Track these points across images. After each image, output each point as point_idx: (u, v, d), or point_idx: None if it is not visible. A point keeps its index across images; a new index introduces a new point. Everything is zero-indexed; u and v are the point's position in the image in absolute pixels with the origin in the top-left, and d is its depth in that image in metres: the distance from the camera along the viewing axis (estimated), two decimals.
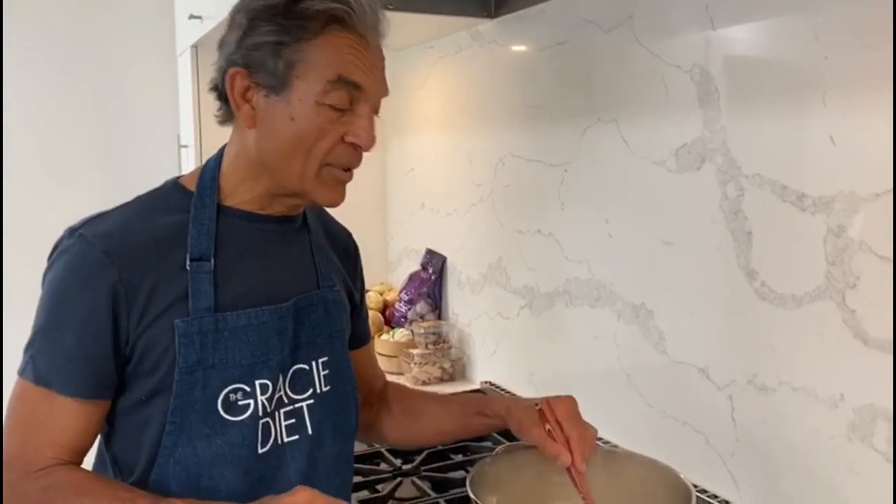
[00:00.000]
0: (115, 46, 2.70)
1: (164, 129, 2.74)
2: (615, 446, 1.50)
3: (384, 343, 2.28)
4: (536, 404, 1.01)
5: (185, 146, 2.58)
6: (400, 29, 2.14)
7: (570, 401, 1.02)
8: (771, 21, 1.21)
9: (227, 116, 0.98)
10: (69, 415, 0.87)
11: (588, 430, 1.00)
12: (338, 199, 0.97)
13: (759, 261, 1.26)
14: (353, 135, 0.91)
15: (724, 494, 1.34)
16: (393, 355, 2.23)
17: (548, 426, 0.99)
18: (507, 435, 1.61)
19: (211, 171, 0.97)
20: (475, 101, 2.11)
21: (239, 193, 0.96)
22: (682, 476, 0.98)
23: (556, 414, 0.99)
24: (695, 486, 1.36)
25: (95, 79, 2.67)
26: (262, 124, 0.92)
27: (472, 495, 0.95)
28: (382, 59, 0.96)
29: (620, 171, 1.55)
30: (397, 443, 1.25)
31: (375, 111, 0.95)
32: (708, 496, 1.35)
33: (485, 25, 2.01)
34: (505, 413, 1.05)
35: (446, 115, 2.27)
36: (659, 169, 1.45)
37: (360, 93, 0.91)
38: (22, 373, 0.88)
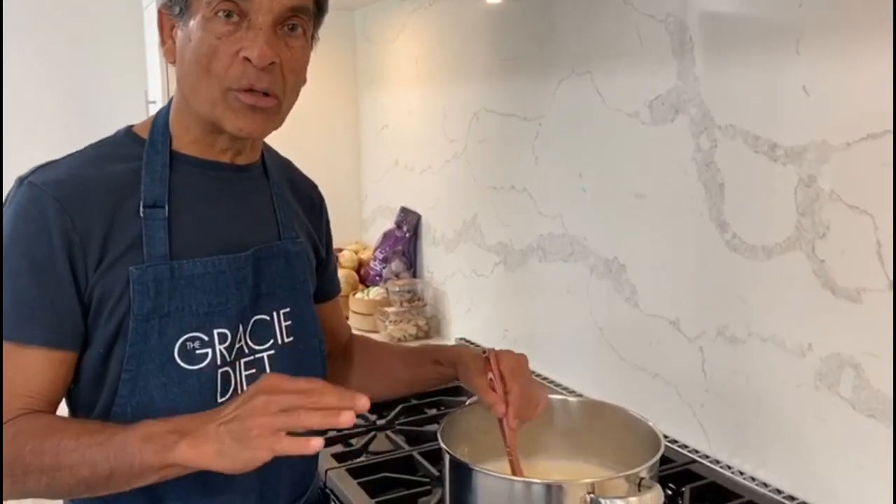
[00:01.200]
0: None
1: (131, 84, 2.67)
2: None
3: (359, 301, 2.27)
4: (484, 352, 1.01)
5: (153, 102, 2.52)
6: None
7: (520, 357, 1.00)
8: None
9: None
10: (36, 365, 0.84)
11: (532, 390, 0.98)
12: (247, 126, 0.89)
13: (730, 212, 1.25)
14: (245, 49, 0.86)
15: (693, 444, 1.36)
16: (368, 313, 2.22)
17: (490, 376, 0.97)
18: None
19: (163, 117, 0.94)
20: (449, 54, 2.08)
21: (185, 138, 0.94)
22: (650, 424, 0.99)
23: (501, 366, 0.97)
24: (666, 437, 1.38)
25: (60, 33, 2.59)
26: (178, 56, 0.90)
27: (442, 445, 0.95)
28: None
29: (594, 123, 1.54)
30: None
31: (279, 24, 0.87)
32: (678, 446, 1.37)
33: None
34: (456, 360, 1.04)
35: (420, 70, 2.23)
36: (632, 121, 1.44)
37: (247, 3, 0.86)
38: None
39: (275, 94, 0.88)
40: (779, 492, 1.21)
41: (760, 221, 1.21)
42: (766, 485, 1.23)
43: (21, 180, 0.87)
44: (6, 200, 0.88)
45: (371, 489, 1.24)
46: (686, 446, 1.37)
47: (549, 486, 0.88)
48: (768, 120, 1.18)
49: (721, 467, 1.29)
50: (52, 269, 0.84)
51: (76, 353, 0.88)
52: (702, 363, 1.33)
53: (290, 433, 0.75)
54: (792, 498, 1.19)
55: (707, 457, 1.33)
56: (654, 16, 1.36)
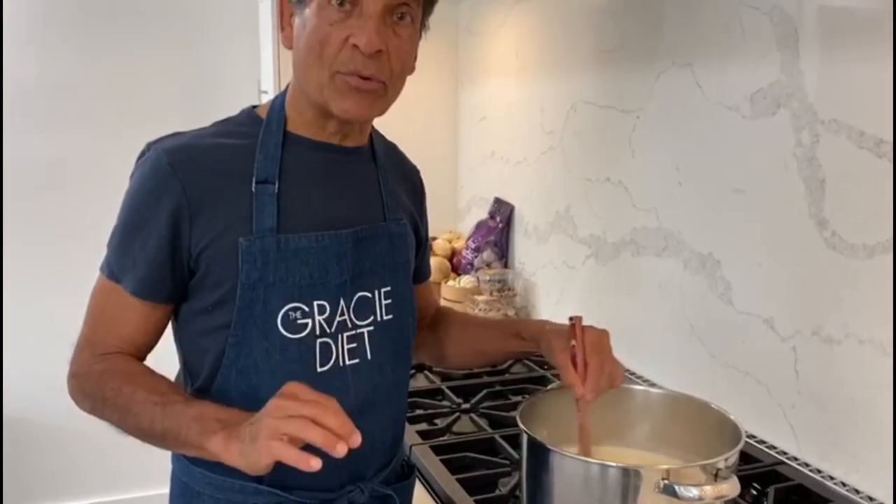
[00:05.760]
0: None
1: (245, 75, 2.81)
2: None
3: (450, 289, 2.32)
4: (570, 319, 1.01)
5: (265, 92, 2.64)
6: None
7: (602, 333, 1.01)
8: None
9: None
10: (131, 311, 0.95)
11: (611, 366, 0.99)
12: (352, 108, 0.92)
13: (830, 209, 1.22)
14: (354, 36, 0.90)
15: (782, 446, 1.33)
16: (458, 301, 2.27)
17: (573, 342, 0.99)
18: None
19: (280, 100, 1.00)
20: (549, 46, 2.08)
21: (299, 120, 0.99)
22: (732, 417, 0.98)
23: (585, 338, 0.99)
24: (754, 437, 1.36)
25: (179, 26, 2.75)
26: (294, 43, 0.96)
27: (521, 424, 0.98)
28: None
29: (693, 116, 1.52)
30: (438, 363, 1.28)
31: (388, 12, 0.91)
32: (766, 446, 1.34)
33: None
34: (538, 334, 1.06)
35: (520, 62, 2.25)
36: (733, 114, 1.41)
37: None
38: (101, 267, 0.97)
39: (380, 79, 0.92)
40: (871, 499, 1.17)
41: (862, 219, 1.17)
42: (857, 491, 1.19)
43: (150, 145, 0.96)
44: (139, 160, 0.97)
45: (453, 467, 1.28)
46: (774, 447, 1.34)
47: (624, 470, 0.89)
48: (875, 115, 1.14)
49: (810, 470, 1.26)
50: (156, 230, 0.92)
51: (168, 307, 0.97)
52: (794, 363, 1.30)
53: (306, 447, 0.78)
54: None
55: (796, 459, 1.29)
56: (758, 7, 1.33)
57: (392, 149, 1.15)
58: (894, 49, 1.07)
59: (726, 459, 0.89)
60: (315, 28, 0.91)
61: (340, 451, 0.77)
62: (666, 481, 0.85)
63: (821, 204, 1.23)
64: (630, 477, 0.88)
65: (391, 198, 1.07)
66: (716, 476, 0.87)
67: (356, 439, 0.78)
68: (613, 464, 0.90)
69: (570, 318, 1.01)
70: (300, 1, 0.93)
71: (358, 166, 1.04)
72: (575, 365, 0.98)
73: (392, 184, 1.08)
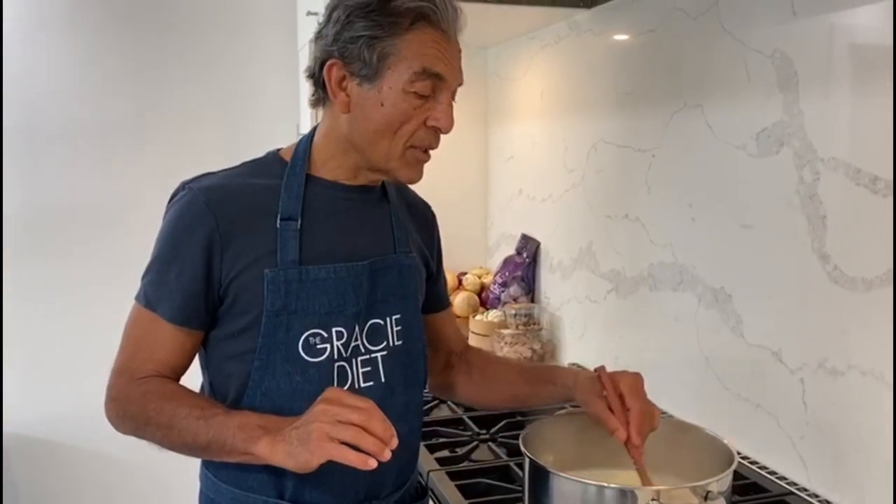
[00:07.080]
0: (242, 41, 2.93)
1: (285, 117, 2.95)
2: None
3: (478, 323, 2.38)
4: (596, 370, 1.08)
5: (303, 134, 2.77)
6: (504, 19, 2.23)
7: (636, 376, 1.07)
8: (851, 5, 1.21)
9: (319, 100, 1.10)
10: (168, 336, 1.03)
11: (650, 407, 1.04)
12: (416, 177, 1.08)
13: (832, 245, 1.26)
14: (434, 119, 1.03)
15: (792, 476, 1.35)
16: (485, 335, 2.32)
17: (604, 393, 1.04)
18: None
19: (304, 145, 1.10)
20: (571, 89, 2.16)
21: (328, 166, 1.09)
22: (725, 442, 1.02)
23: (620, 385, 1.04)
24: (765, 468, 1.39)
25: (222, 71, 2.91)
26: (355, 109, 1.04)
27: (522, 448, 1.03)
28: (460, 51, 1.06)
29: (704, 155, 1.57)
30: (472, 403, 1.35)
31: (453, 97, 1.05)
32: (777, 477, 1.36)
33: (581, 15, 2.06)
34: (572, 384, 1.13)
35: (545, 104, 2.33)
36: (740, 153, 1.46)
37: (441, 82, 1.02)
38: (137, 297, 1.06)
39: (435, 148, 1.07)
40: None
41: (861, 254, 1.20)
42: None
43: (184, 184, 1.07)
44: (173, 198, 1.07)
45: (467, 492, 1.33)
46: (785, 478, 1.36)
47: (620, 491, 0.94)
48: (870, 152, 1.18)
49: (819, 501, 1.28)
50: (192, 262, 1.01)
51: (200, 333, 1.05)
52: (802, 395, 1.33)
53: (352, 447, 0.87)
54: None
55: (805, 490, 1.31)
56: (761, 51, 1.39)
57: (403, 188, 1.23)
58: (894, 88, 1.11)
59: (718, 481, 0.93)
60: (397, 108, 1.01)
61: (386, 456, 0.87)
62: (656, 502, 0.89)
63: (822, 239, 1.27)
64: (626, 498, 0.93)
65: (401, 232, 1.15)
66: (706, 498, 0.91)
67: (394, 442, 0.89)
68: (608, 485, 0.95)
69: (595, 370, 1.08)
70: (369, 76, 1.00)
71: (371, 204, 1.14)
72: (611, 411, 1.03)
73: (403, 219, 1.17)
